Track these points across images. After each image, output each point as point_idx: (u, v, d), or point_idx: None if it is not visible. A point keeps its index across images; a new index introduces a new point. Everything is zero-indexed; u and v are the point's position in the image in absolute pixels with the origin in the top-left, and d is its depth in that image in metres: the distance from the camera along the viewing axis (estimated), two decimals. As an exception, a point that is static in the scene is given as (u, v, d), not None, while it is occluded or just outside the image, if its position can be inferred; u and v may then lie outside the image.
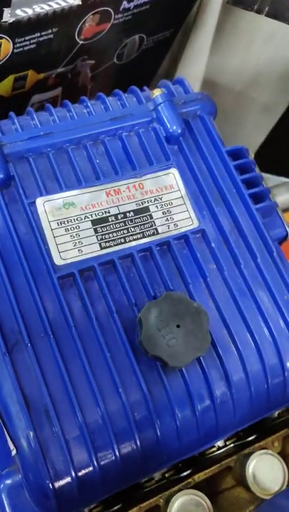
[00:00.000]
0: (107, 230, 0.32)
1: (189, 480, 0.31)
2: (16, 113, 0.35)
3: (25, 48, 0.39)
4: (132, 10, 0.43)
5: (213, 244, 0.33)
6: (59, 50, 0.42)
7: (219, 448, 0.33)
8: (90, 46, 0.44)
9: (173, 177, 0.34)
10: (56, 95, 0.49)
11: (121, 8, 0.42)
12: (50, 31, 0.39)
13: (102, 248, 0.31)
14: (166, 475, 0.32)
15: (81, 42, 0.43)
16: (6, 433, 0.28)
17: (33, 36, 0.38)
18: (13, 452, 0.28)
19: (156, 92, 0.36)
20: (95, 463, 0.28)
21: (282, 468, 0.30)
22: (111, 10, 0.41)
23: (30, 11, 0.36)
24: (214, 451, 0.33)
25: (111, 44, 0.46)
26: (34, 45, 0.39)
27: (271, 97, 0.70)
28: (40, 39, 0.39)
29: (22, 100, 0.46)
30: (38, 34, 0.38)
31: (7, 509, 0.29)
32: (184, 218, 0.33)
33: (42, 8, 0.36)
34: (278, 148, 0.76)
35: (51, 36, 0.39)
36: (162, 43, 0.53)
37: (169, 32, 0.52)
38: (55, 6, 0.37)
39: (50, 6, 0.37)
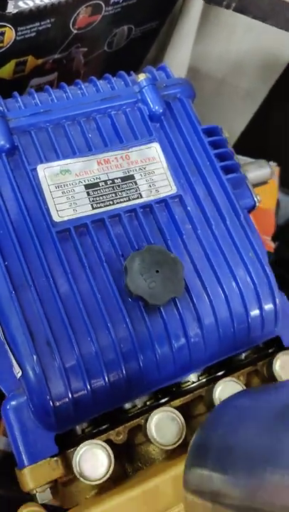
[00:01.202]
0: (98, 194, 0.37)
1: (166, 406, 0.36)
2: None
3: (26, 36, 0.44)
4: (121, 3, 0.48)
5: (188, 208, 0.38)
6: (56, 38, 0.47)
7: (193, 382, 0.39)
8: (83, 35, 0.49)
9: (155, 150, 0.39)
10: (52, 79, 0.54)
11: (111, 2, 0.47)
12: (48, 21, 0.44)
13: (93, 208, 0.36)
14: (148, 403, 0.37)
15: (75, 31, 0.48)
16: (13, 358, 0.33)
17: (33, 25, 0.43)
18: (19, 375, 0.33)
19: (141, 77, 0.41)
20: (88, 387, 0.33)
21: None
22: (102, 3, 0.46)
23: (31, 3, 0.41)
24: (189, 385, 0.38)
25: (102, 33, 0.51)
26: (34, 33, 0.44)
27: (252, 85, 0.74)
28: (40, 28, 0.44)
29: (22, 83, 0.51)
30: (38, 23, 0.43)
31: (14, 426, 0.34)
32: (164, 185, 0.38)
33: (42, 1, 0.41)
34: (259, 134, 0.81)
35: (49, 25, 0.44)
36: (149, 33, 0.58)
37: (155, 23, 0.57)
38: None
39: (48, -2, 0.41)
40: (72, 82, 0.42)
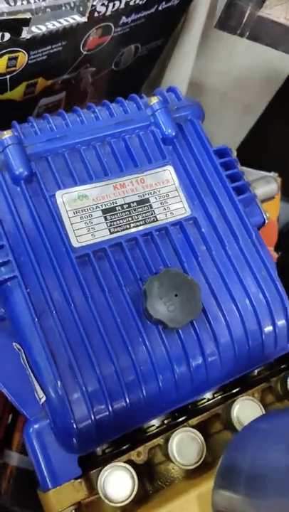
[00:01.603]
0: (115, 218, 0.37)
1: (184, 424, 0.37)
2: (25, 114, 0.41)
3: (38, 59, 0.44)
4: (129, 24, 0.48)
5: (203, 230, 0.39)
6: (66, 60, 0.47)
7: (209, 400, 0.39)
8: (92, 56, 0.49)
9: (169, 173, 0.40)
10: (60, 98, 0.54)
11: (120, 23, 0.47)
12: (59, 44, 0.44)
13: (111, 233, 0.37)
14: (165, 422, 0.38)
15: (85, 52, 0.48)
16: (36, 384, 0.34)
17: (45, 49, 0.44)
18: (43, 399, 0.34)
19: (154, 100, 0.42)
20: (110, 408, 0.34)
21: (261, 411, 0.36)
22: (112, 24, 0.47)
23: (44, 28, 0.41)
24: (205, 402, 0.39)
25: (110, 53, 0.52)
26: (46, 56, 0.45)
27: (252, 98, 0.76)
28: (51, 51, 0.44)
29: (31, 103, 0.51)
30: (50, 47, 0.44)
31: (37, 449, 0.34)
32: (179, 208, 0.39)
33: (54, 25, 0.42)
34: (258, 145, 0.83)
35: (60, 48, 0.45)
36: (154, 50, 0.59)
37: (160, 41, 0.58)
38: (65, 23, 0.42)
39: (60, 23, 0.42)
40: (80, 101, 0.43)
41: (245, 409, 0.36)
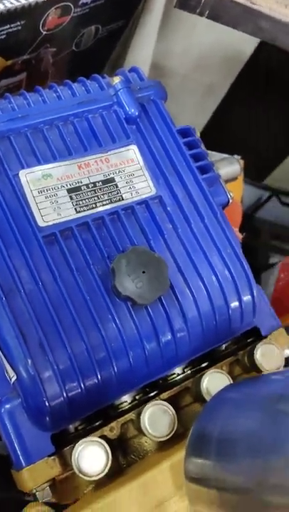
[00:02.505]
0: (80, 197, 0.37)
1: (156, 399, 0.38)
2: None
3: (-3, 39, 0.44)
4: (89, 4, 0.48)
5: (168, 208, 0.40)
6: (25, 39, 0.47)
7: (179, 375, 0.40)
8: (52, 36, 0.49)
9: (133, 152, 0.40)
10: (21, 79, 0.53)
11: (80, 3, 0.47)
12: (18, 23, 0.44)
13: (77, 212, 0.37)
14: (137, 397, 0.39)
15: (44, 32, 0.48)
16: (6, 363, 0.34)
17: (4, 28, 0.43)
18: (14, 378, 0.34)
19: (116, 80, 0.42)
20: (82, 385, 0.34)
21: (229, 381, 0.37)
22: (71, 4, 0.46)
23: (1, 6, 0.40)
24: (175, 377, 0.40)
25: (70, 34, 0.51)
26: (4, 36, 0.44)
27: (214, 80, 0.76)
28: (10, 30, 0.44)
29: (-9, 85, 0.50)
30: (8, 26, 0.43)
31: (9, 429, 0.35)
32: (144, 187, 0.40)
33: (12, 3, 0.41)
34: (221, 128, 0.84)
35: (19, 28, 0.44)
36: (115, 31, 0.58)
37: (121, 22, 0.57)
38: (23, 2, 0.42)
39: (19, 1, 0.41)
40: (41, 82, 0.43)
41: (214, 381, 0.37)
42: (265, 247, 0.92)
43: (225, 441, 0.26)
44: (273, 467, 0.21)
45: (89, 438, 0.34)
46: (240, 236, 0.69)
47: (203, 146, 0.44)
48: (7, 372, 0.34)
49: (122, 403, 0.38)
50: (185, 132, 0.43)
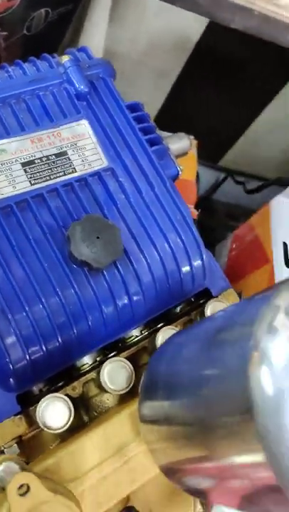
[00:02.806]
0: (34, 170, 0.39)
1: (115, 358, 0.40)
2: None
3: None
4: (37, -13, 0.49)
5: (120, 179, 0.42)
6: (-25, 23, 0.48)
7: (136, 336, 0.43)
8: (2, 19, 0.50)
9: (84, 127, 0.42)
10: (-27, 64, 0.54)
11: (28, -14, 0.48)
12: None
13: (32, 185, 0.39)
14: (97, 359, 0.41)
15: (-6, 15, 0.49)
16: None
17: None
18: (-23, 343, 0.35)
19: (65, 58, 0.43)
20: (44, 348, 0.36)
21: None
22: (19, -13, 0.48)
23: None
24: (133, 339, 0.42)
25: (20, 17, 0.52)
26: None
27: (166, 64, 0.79)
28: None
29: None
30: None
31: (-26, 391, 0.36)
32: (96, 159, 0.42)
33: None
34: (175, 111, 0.86)
35: None
36: (65, 15, 0.60)
37: (70, 5, 0.59)
38: (-29, -16, 0.43)
39: None
40: (-5, 66, 0.44)
41: (168, 337, 0.39)
42: (222, 227, 0.96)
43: (170, 378, 0.28)
44: (211, 394, 0.23)
45: (52, 395, 0.36)
46: (194, 213, 0.72)
47: (151, 121, 0.46)
48: None
49: (83, 365, 0.40)
50: (133, 107, 0.45)
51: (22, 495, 0.25)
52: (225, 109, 0.87)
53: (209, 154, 0.91)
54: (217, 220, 0.99)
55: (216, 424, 0.22)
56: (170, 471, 0.31)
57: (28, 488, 0.25)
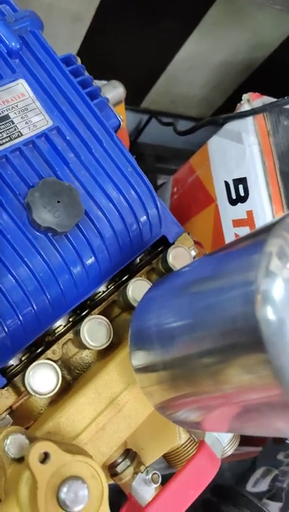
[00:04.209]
0: (-21, 139, 0.37)
1: (89, 316, 0.41)
2: None
3: None
4: None
5: (68, 137, 0.41)
6: None
7: (104, 292, 0.44)
8: None
9: (22, 86, 0.40)
10: None
11: None
12: None
13: (-21, 154, 0.37)
14: (70, 319, 0.42)
15: None
16: None
17: None
18: None
19: (-12, 12, 0.40)
20: (20, 318, 0.36)
21: (149, 285, 0.41)
22: None
23: None
24: (101, 295, 0.43)
25: None
26: None
27: (79, 7, 0.75)
28: None
29: None
30: None
31: None
32: (40, 120, 0.40)
33: None
34: (92, 54, 0.83)
35: None
36: None
37: None
38: None
39: None
40: None
41: (138, 289, 0.41)
42: (151, 171, 0.96)
43: (163, 328, 0.30)
44: (199, 337, 0.25)
45: (37, 362, 0.36)
46: (131, 160, 0.72)
47: (86, 73, 0.45)
48: None
49: (57, 327, 0.41)
50: (68, 60, 0.44)
51: (43, 462, 0.26)
52: (142, 48, 0.85)
53: (130, 97, 0.90)
54: (146, 164, 0.99)
55: (226, 358, 0.24)
56: (165, 409, 0.34)
57: (47, 454, 0.26)
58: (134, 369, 0.33)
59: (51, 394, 0.36)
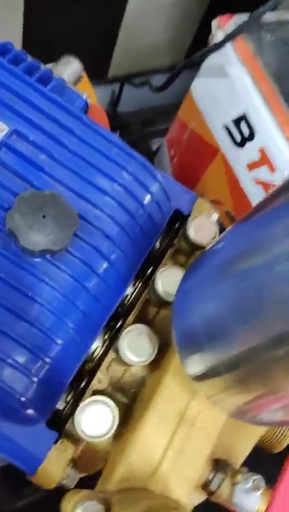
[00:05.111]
0: None
1: (124, 327, 0.35)
2: None
3: None
4: None
5: (31, 138, 0.35)
6: None
7: (132, 293, 0.38)
8: None
9: None
10: None
11: None
12: None
13: None
14: (106, 336, 0.36)
15: None
16: None
17: None
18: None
19: None
20: (46, 359, 0.31)
21: (181, 271, 0.35)
22: None
23: None
24: (130, 298, 0.38)
25: None
26: None
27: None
28: None
29: None
30: None
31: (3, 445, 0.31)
32: (-7, 128, 0.34)
33: None
34: (39, 38, 0.76)
35: None
36: None
37: None
38: None
39: None
40: None
41: (168, 279, 0.35)
42: (142, 138, 0.89)
43: (212, 323, 0.24)
44: (261, 324, 0.20)
45: (83, 402, 0.31)
46: (115, 136, 0.65)
47: (29, 57, 0.38)
48: None
49: (94, 350, 0.36)
50: (3, 49, 0.37)
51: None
52: (87, 13, 0.77)
53: (94, 70, 0.82)
54: (134, 134, 0.92)
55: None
56: (242, 414, 0.28)
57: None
58: (191, 378, 0.27)
59: (109, 434, 0.31)
